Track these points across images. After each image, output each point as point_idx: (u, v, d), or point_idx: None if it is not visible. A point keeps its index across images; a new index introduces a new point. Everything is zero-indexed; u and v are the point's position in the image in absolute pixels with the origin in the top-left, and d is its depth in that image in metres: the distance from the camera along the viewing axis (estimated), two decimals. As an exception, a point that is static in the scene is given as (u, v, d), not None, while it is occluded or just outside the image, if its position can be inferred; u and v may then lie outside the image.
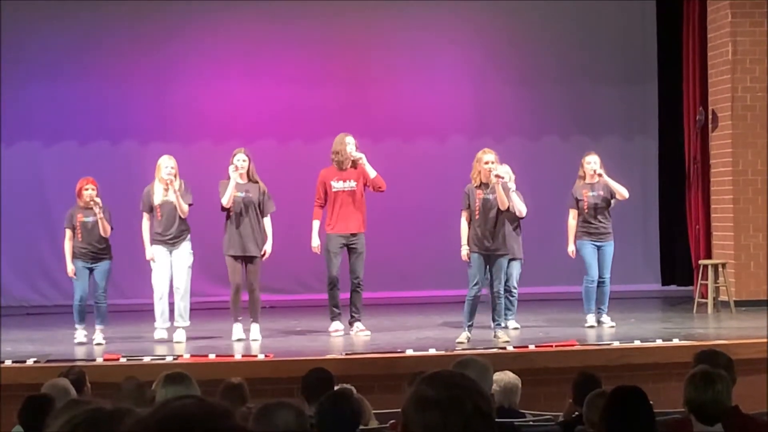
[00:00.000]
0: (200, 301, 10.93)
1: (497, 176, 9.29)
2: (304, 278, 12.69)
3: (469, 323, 9.34)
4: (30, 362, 8.27)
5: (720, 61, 12.18)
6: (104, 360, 8.40)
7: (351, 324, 9.97)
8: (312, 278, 12.47)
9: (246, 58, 12.99)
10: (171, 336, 9.63)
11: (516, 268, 10.14)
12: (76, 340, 9.54)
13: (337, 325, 9.97)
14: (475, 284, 9.36)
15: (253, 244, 9.60)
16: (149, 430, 1.56)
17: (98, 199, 9.46)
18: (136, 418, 1.64)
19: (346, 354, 8.58)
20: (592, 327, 10.09)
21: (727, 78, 12.01)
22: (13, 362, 8.26)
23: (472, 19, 13.28)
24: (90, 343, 9.48)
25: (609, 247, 10.23)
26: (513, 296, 10.13)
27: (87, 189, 9.51)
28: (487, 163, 9.38)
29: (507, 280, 9.99)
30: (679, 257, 13.26)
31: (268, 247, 9.66)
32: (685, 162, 12.80)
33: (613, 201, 10.22)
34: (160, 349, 9.19)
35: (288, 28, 13.03)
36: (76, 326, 9.61)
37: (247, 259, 9.63)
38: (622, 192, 10.16)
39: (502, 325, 9.44)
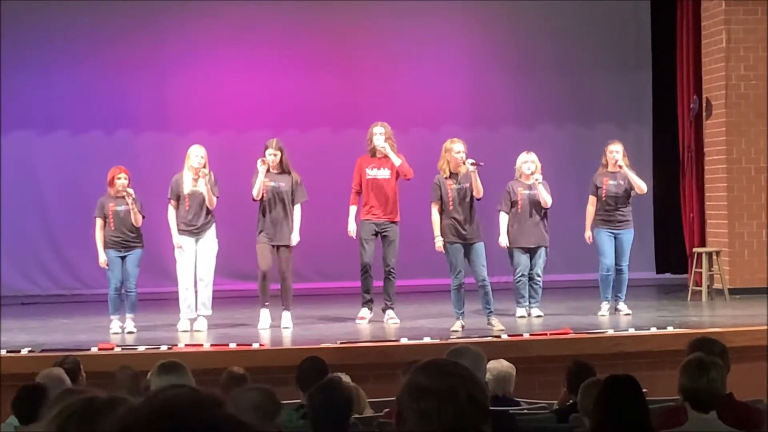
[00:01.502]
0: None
1: (473, 164, 9.26)
2: (300, 269, 12.65)
3: (461, 311, 9.34)
4: (24, 352, 8.27)
5: (714, 49, 12.17)
6: (99, 349, 8.39)
7: (383, 311, 9.96)
8: (308, 269, 12.45)
9: (241, 48, 12.95)
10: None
11: (542, 257, 10.12)
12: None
13: (364, 312, 9.94)
14: (458, 273, 9.36)
15: (284, 232, 9.62)
16: (141, 420, 1.56)
17: (130, 189, 9.46)
18: (128, 407, 1.64)
19: (341, 343, 8.58)
20: (603, 316, 10.07)
21: (721, 66, 12.00)
22: (7, 352, 8.25)
23: (466, 8, 13.25)
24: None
25: (627, 235, 10.21)
26: (537, 284, 10.12)
27: (119, 178, 9.50)
28: (458, 152, 9.36)
29: (531, 268, 10.02)
30: (673, 245, 13.26)
31: (295, 236, 9.65)
32: (680, 150, 12.79)
33: (632, 192, 10.20)
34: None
35: (284, 18, 12.99)
36: (111, 317, 9.54)
37: (278, 248, 9.65)
38: (640, 186, 10.13)
39: (494, 313, 9.42)
